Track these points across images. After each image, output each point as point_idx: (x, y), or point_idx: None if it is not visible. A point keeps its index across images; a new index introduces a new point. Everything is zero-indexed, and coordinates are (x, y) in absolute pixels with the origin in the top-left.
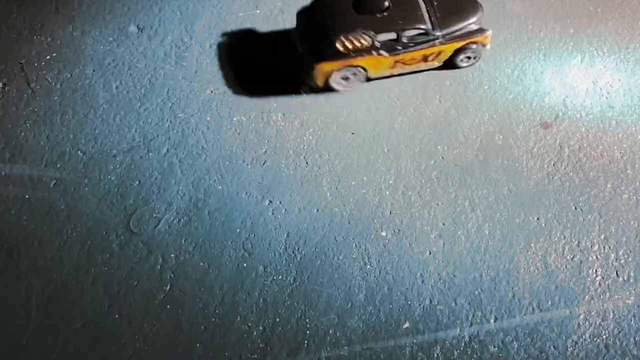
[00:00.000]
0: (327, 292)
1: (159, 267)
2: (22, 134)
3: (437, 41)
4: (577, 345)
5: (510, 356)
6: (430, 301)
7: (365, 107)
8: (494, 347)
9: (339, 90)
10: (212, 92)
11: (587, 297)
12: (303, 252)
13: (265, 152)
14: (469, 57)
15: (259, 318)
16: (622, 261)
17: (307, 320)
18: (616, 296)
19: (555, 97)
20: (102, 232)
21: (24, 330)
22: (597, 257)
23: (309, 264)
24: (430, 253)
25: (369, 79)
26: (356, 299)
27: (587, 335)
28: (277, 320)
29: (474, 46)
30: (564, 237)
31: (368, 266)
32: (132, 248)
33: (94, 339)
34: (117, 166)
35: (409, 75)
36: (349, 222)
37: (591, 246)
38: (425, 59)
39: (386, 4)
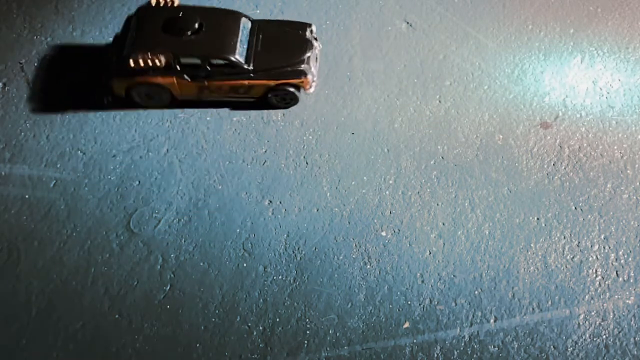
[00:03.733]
0: (327, 292)
1: (159, 267)
2: (22, 134)
3: (245, 76)
4: (577, 345)
5: (510, 356)
6: (430, 301)
7: (365, 107)
8: (494, 347)
9: (141, 104)
10: None
11: (587, 297)
12: (303, 252)
13: (265, 152)
14: (283, 99)
15: (259, 318)
16: (622, 261)
17: (307, 320)
18: (616, 296)
19: (555, 97)
20: (102, 232)
21: (24, 330)
22: (597, 257)
23: (309, 264)
24: (430, 253)
25: (174, 99)
26: (356, 299)
27: (587, 335)
28: (277, 320)
29: (290, 88)
30: (564, 237)
31: (368, 266)
32: (132, 248)
33: (94, 339)
34: (117, 166)
35: (408, 75)
36: (349, 222)
37: (591, 246)
38: (235, 90)
39: (196, 25)
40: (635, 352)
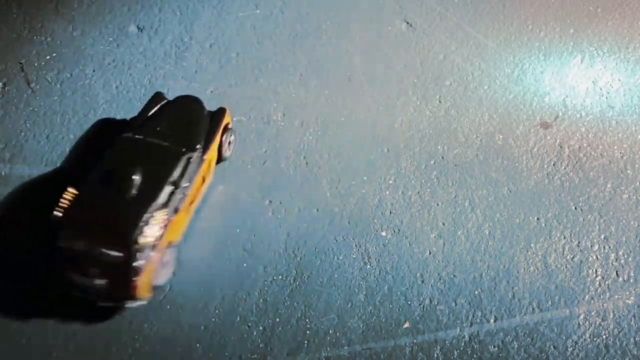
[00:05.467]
0: (327, 292)
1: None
2: (22, 134)
3: (201, 155)
4: (577, 345)
5: (510, 356)
6: (430, 301)
7: (365, 107)
8: (494, 347)
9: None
10: (212, 92)
11: (587, 297)
12: (303, 252)
13: (265, 152)
14: (229, 143)
15: (259, 318)
16: (622, 261)
17: (307, 320)
18: (616, 296)
19: (555, 97)
20: None
21: (24, 330)
22: (597, 257)
23: (309, 264)
24: (430, 253)
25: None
26: (356, 299)
27: (587, 335)
28: (277, 320)
29: (226, 132)
30: (564, 237)
31: (368, 266)
32: None
33: (94, 339)
34: None
35: (408, 75)
36: (349, 222)
37: (591, 246)
38: (203, 180)
39: (135, 178)
40: (635, 352)
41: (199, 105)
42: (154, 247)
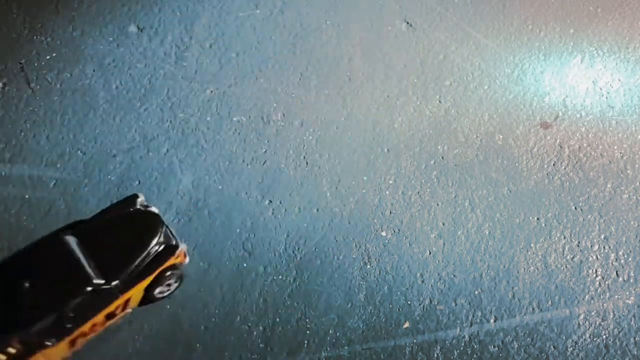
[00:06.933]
0: (327, 292)
1: None
2: (22, 134)
3: (116, 292)
4: (577, 345)
5: (510, 356)
6: (430, 301)
7: (365, 107)
8: (494, 347)
9: None
10: (212, 92)
11: (587, 297)
12: (303, 252)
13: (265, 152)
14: (168, 285)
15: (259, 318)
16: (622, 261)
17: (307, 320)
18: (616, 296)
19: (555, 97)
20: None
21: None
22: (597, 257)
23: (309, 264)
24: (430, 253)
25: None
26: (356, 299)
27: (587, 335)
28: (277, 320)
29: (168, 272)
30: (564, 237)
31: (368, 266)
32: None
33: (94, 339)
34: (117, 166)
35: (408, 75)
36: (349, 222)
37: (591, 246)
38: (110, 316)
39: (26, 285)
40: (635, 352)
41: (156, 228)
42: None
